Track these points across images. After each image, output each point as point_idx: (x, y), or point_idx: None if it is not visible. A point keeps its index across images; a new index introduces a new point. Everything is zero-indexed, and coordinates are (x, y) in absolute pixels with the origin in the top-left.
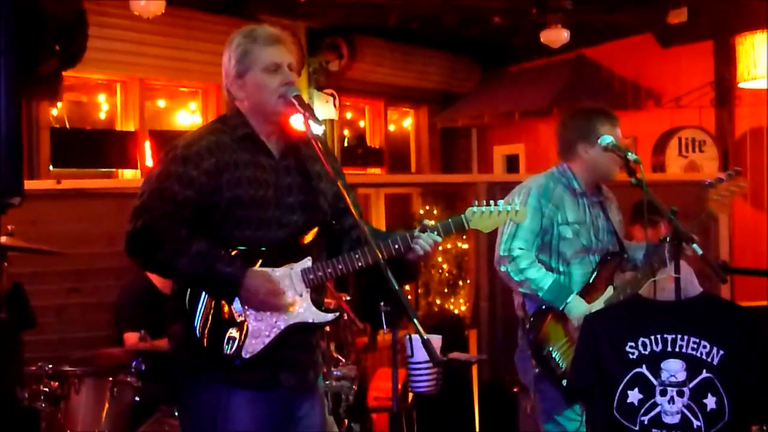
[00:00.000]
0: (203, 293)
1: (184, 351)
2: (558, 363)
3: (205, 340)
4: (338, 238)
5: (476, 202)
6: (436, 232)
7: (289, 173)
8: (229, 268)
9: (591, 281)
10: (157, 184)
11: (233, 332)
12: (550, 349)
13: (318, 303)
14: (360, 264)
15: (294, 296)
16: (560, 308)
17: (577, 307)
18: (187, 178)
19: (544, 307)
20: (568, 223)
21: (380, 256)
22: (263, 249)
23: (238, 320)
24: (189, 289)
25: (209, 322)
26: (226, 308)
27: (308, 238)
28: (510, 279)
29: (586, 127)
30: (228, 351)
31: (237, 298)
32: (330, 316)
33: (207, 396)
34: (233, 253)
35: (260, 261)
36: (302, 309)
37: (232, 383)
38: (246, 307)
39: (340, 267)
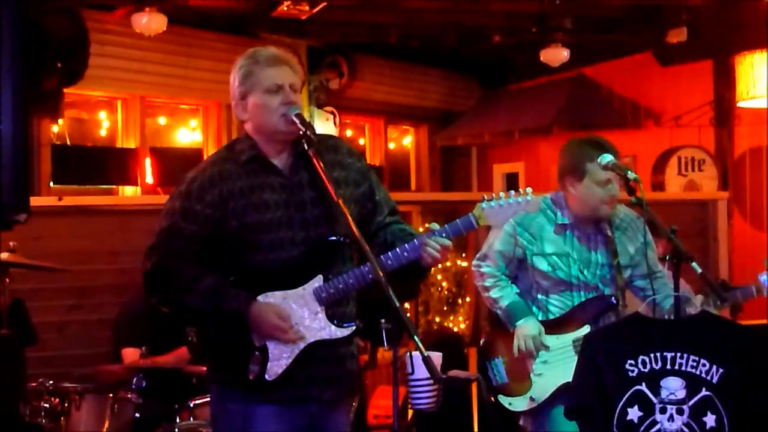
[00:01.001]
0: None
1: (215, 372)
2: (495, 376)
3: (229, 366)
4: (369, 239)
5: (485, 197)
6: (445, 234)
7: (302, 188)
8: (233, 303)
9: (567, 316)
10: (165, 221)
11: (255, 358)
12: (494, 361)
13: (334, 318)
14: (371, 276)
15: (310, 315)
16: (511, 329)
17: (524, 329)
18: (191, 213)
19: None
20: (543, 255)
21: (381, 274)
22: (276, 271)
23: (258, 345)
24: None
25: (232, 349)
26: (247, 336)
27: (323, 255)
28: (480, 290)
29: (573, 160)
30: (251, 376)
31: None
32: (347, 331)
33: (234, 407)
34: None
35: (273, 284)
36: (319, 327)
37: (261, 401)
38: None
39: (351, 282)
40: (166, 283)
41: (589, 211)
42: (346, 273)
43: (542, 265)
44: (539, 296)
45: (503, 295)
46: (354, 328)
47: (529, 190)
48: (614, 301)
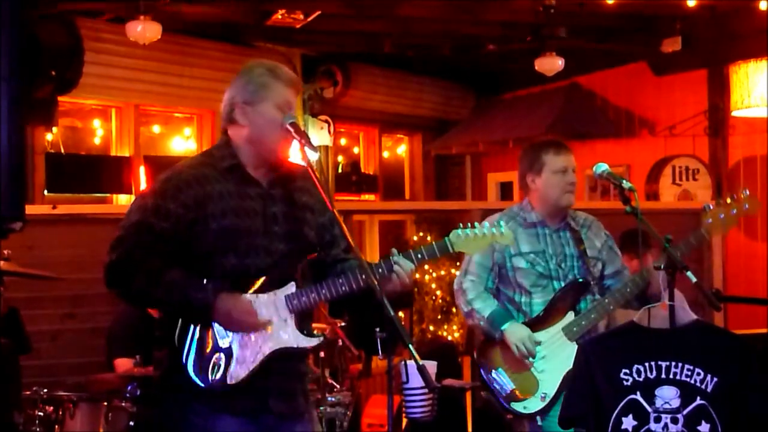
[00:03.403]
0: (190, 322)
1: (172, 377)
2: (502, 386)
3: (191, 366)
4: (323, 270)
5: (461, 225)
6: (420, 255)
7: (275, 203)
8: (200, 294)
9: (549, 309)
10: (135, 216)
11: (219, 359)
12: (494, 372)
13: (302, 328)
14: (344, 289)
15: (278, 321)
16: (497, 336)
17: (514, 332)
18: (164, 211)
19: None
20: (521, 254)
21: (376, 281)
22: (249, 276)
23: (223, 347)
24: (179, 319)
25: (195, 349)
26: (210, 335)
27: (293, 265)
28: (462, 311)
29: (531, 158)
30: (213, 378)
31: (216, 323)
32: (315, 341)
33: (196, 419)
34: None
35: (246, 288)
36: (286, 334)
37: (222, 410)
38: (230, 334)
39: (323, 292)
40: (131, 275)
41: (552, 202)
42: (318, 284)
43: (521, 263)
44: (523, 299)
45: (485, 305)
46: (322, 339)
47: (502, 222)
48: (582, 279)
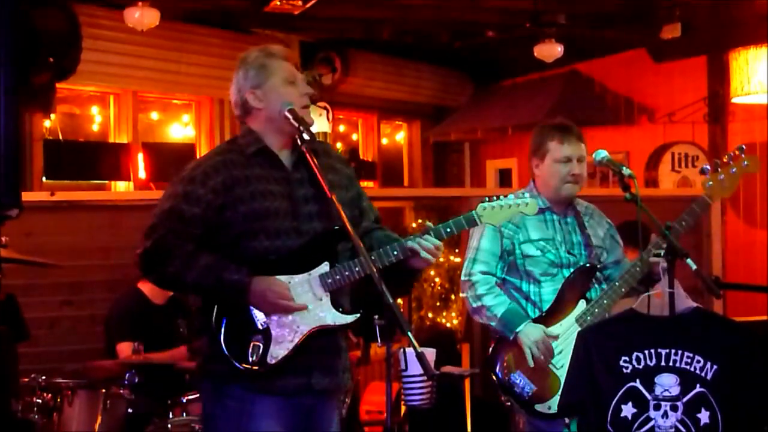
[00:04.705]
0: (226, 306)
1: (211, 363)
2: (523, 389)
3: (230, 349)
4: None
5: (487, 198)
6: (449, 230)
7: (302, 185)
8: (236, 276)
9: (559, 299)
10: (167, 203)
11: (257, 340)
12: (512, 376)
13: (339, 305)
14: (377, 266)
15: (314, 300)
16: (510, 338)
17: (529, 335)
18: (194, 197)
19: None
20: (531, 241)
21: (375, 270)
22: (281, 258)
23: (261, 328)
24: (215, 305)
25: (233, 332)
26: (247, 318)
27: (329, 246)
28: (469, 306)
29: (536, 141)
30: (253, 358)
31: (252, 306)
32: (351, 318)
33: (233, 404)
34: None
35: (279, 270)
36: (323, 313)
37: (261, 391)
38: (268, 316)
39: (357, 269)
40: (165, 260)
41: (554, 190)
42: (351, 261)
43: (531, 250)
44: (532, 288)
45: (497, 303)
46: (359, 315)
47: (527, 193)
48: (588, 264)
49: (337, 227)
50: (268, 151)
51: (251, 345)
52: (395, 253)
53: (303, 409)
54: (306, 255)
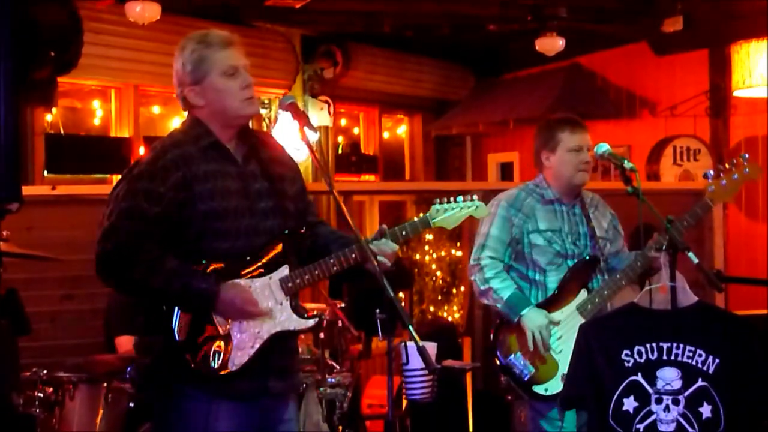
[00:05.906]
0: (188, 311)
1: (166, 364)
2: (523, 370)
3: (189, 354)
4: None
5: (437, 200)
6: (405, 232)
7: (255, 179)
8: (204, 284)
9: (562, 287)
10: (125, 202)
11: (218, 345)
12: (512, 357)
13: (298, 309)
14: (335, 268)
15: (275, 305)
16: (515, 321)
17: (533, 319)
18: (155, 194)
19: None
20: (539, 231)
21: (375, 262)
22: (241, 260)
23: (222, 333)
24: (175, 308)
25: (193, 337)
26: (208, 323)
27: (286, 246)
28: (476, 288)
29: (546, 135)
30: (215, 365)
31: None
32: (311, 322)
33: (189, 405)
34: (209, 269)
35: (239, 273)
36: (283, 317)
37: (217, 394)
38: (229, 321)
39: (316, 273)
40: (129, 264)
41: (566, 180)
42: (311, 264)
43: (539, 240)
44: (537, 276)
45: (504, 286)
46: (319, 320)
47: (475, 197)
48: (591, 257)
49: (292, 225)
50: (219, 145)
51: (212, 351)
52: (353, 255)
53: (260, 410)
54: (265, 257)
